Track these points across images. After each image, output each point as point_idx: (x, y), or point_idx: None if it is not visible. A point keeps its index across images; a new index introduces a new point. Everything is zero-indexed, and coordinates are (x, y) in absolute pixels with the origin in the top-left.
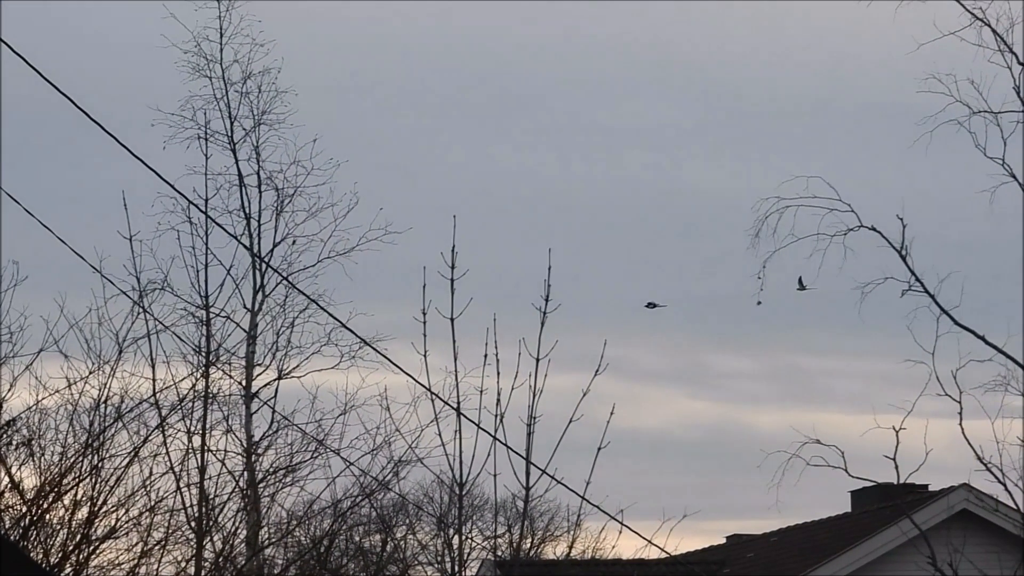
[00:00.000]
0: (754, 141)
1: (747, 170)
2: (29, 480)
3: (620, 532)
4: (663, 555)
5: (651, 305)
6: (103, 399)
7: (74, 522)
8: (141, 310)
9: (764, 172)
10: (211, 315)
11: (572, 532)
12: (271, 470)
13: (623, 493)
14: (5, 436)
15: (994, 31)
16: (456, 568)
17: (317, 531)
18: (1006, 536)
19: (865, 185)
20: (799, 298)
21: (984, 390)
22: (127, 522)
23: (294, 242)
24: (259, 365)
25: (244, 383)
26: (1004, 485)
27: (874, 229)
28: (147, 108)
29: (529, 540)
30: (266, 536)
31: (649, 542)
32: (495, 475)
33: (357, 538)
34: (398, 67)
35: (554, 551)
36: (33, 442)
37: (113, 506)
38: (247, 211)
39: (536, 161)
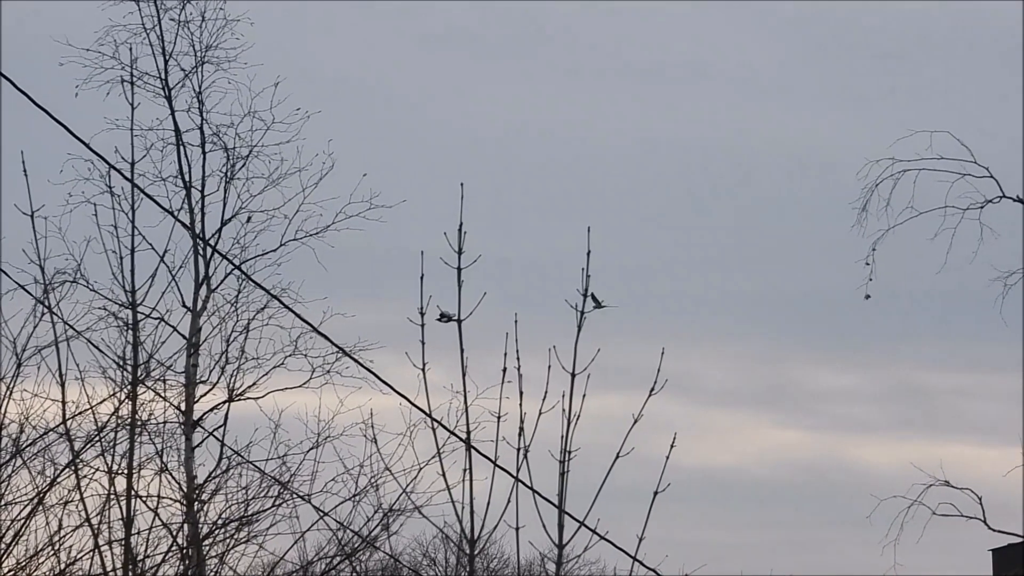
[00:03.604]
0: (859, 86)
1: (850, 123)
2: None
3: None
4: None
5: (596, 303)
6: None
7: None
8: (46, 310)
9: (873, 125)
10: (139, 316)
11: None
12: (219, 522)
13: (687, 552)
14: None
15: None
16: None
17: None
18: None
19: (1010, 144)
20: (920, 294)
21: None
22: None
23: (249, 219)
24: (203, 383)
25: (183, 407)
26: None
27: (1020, 200)
28: (52, 41)
29: None
30: None
31: None
32: (517, 528)
33: None
34: None
35: None
36: None
37: (9, 570)
38: (187, 178)
39: (567, 113)
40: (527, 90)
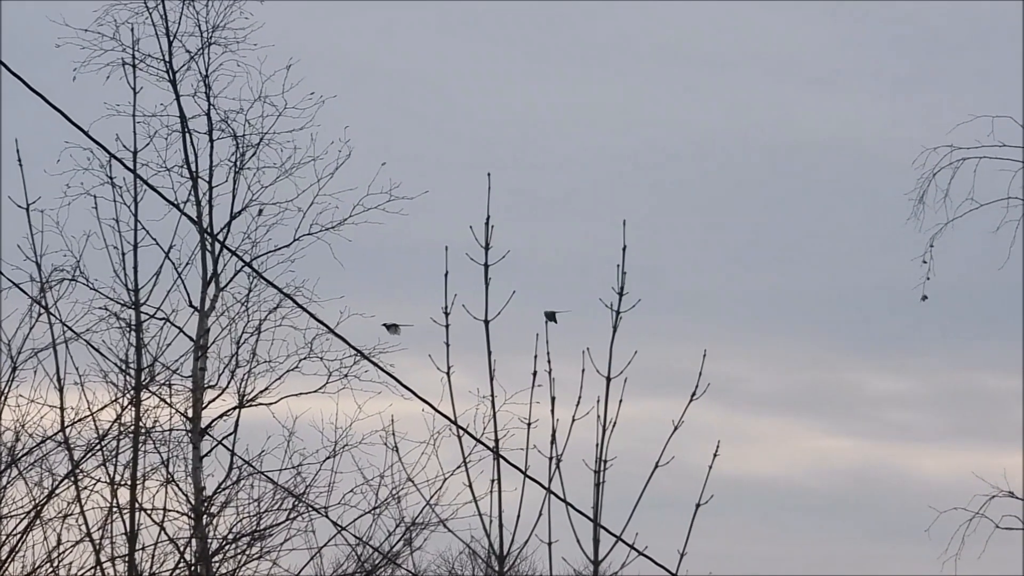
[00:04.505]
0: (912, 69)
1: (903, 109)
2: None
3: None
4: None
5: (550, 316)
6: None
7: None
8: (43, 310)
9: (930, 111)
10: (143, 317)
11: None
12: (230, 537)
13: (731, 568)
14: None
15: None
16: None
17: None
18: None
19: None
20: (980, 291)
21: None
22: None
23: (260, 212)
24: (211, 388)
25: (190, 414)
26: None
27: None
28: (48, 21)
29: None
30: None
31: None
32: (550, 543)
33: None
34: None
35: None
36: None
37: None
38: (193, 168)
39: (601, 101)
40: (557, 76)
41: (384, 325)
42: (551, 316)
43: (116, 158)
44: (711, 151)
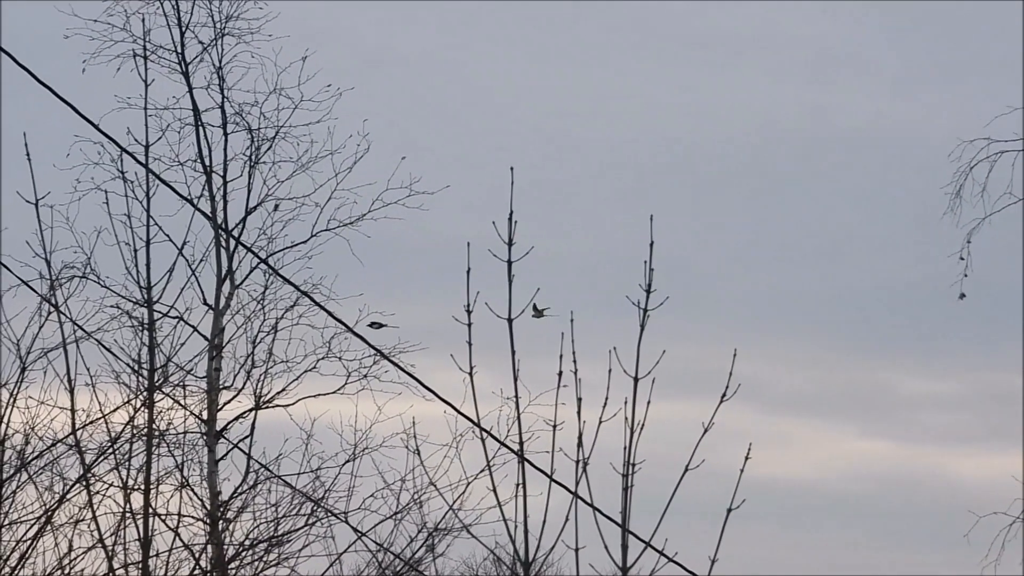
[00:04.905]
0: (947, 58)
1: (938, 100)
2: None
3: None
4: None
5: (538, 312)
6: None
7: None
8: (52, 308)
9: (965, 101)
10: (155, 315)
11: None
12: (246, 543)
13: (765, 572)
14: None
15: None
16: None
17: None
18: None
19: None
20: (1020, 291)
21: None
22: None
23: (276, 207)
24: (227, 389)
25: (205, 416)
26: None
27: None
28: (57, 11)
29: None
30: None
31: None
32: (577, 549)
33: None
34: None
35: None
36: None
37: None
38: (207, 162)
39: (627, 92)
40: (583, 67)
41: (369, 324)
42: (539, 313)
43: (127, 152)
44: (743, 144)
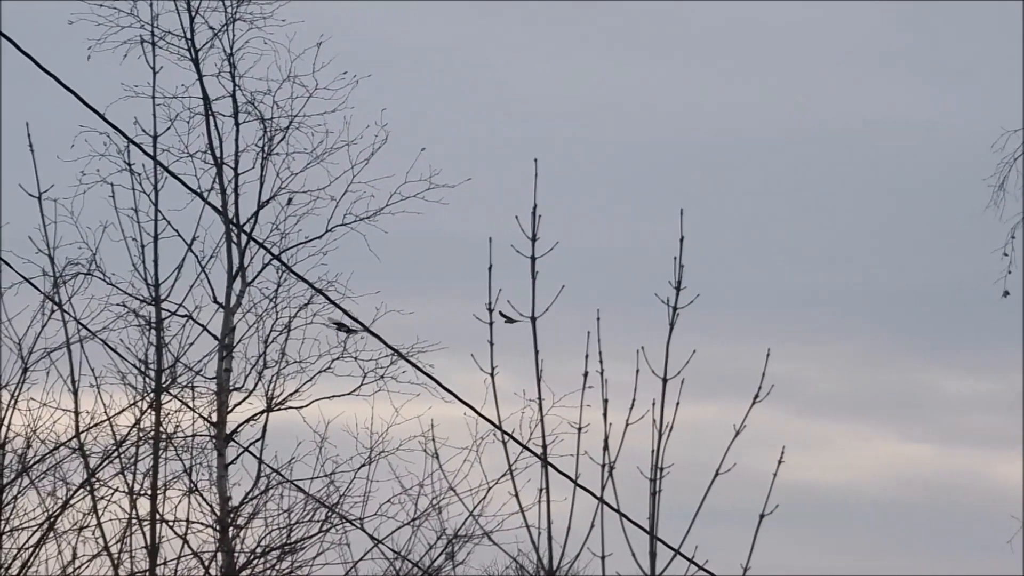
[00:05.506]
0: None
1: (978, 91)
2: None
3: None
4: None
5: (507, 319)
6: None
7: None
8: (55, 307)
9: (1006, 88)
10: (163, 314)
11: None
12: (258, 551)
13: None
14: None
15: None
16: None
17: None
18: None
19: None
20: None
21: None
22: None
23: (290, 200)
24: (237, 390)
25: (215, 418)
26: None
27: None
28: None
29: None
30: None
31: None
32: (603, 557)
33: None
34: None
35: None
36: None
37: None
38: (218, 154)
39: (654, 82)
40: (609, 56)
41: (335, 324)
42: (508, 319)
43: (135, 143)
44: (775, 137)
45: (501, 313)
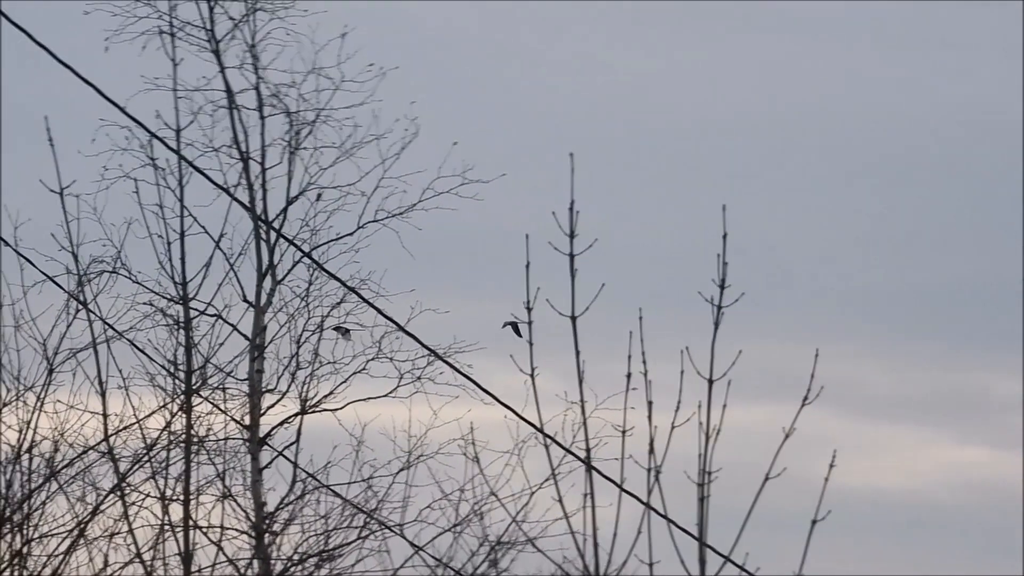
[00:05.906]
0: None
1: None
2: None
3: None
4: None
5: (513, 327)
6: (24, 447)
7: None
8: (81, 306)
9: None
10: (192, 313)
11: None
12: (295, 558)
13: None
14: None
15: None
16: None
17: None
18: None
19: None
20: None
21: None
22: None
23: (319, 196)
24: (270, 392)
25: (247, 421)
26: None
27: None
28: None
29: None
30: None
31: None
32: (651, 564)
33: None
34: None
35: None
36: None
37: None
38: (243, 148)
39: (697, 73)
40: (649, 44)
41: (333, 328)
42: (516, 328)
43: (157, 137)
44: (826, 125)
45: (506, 323)
